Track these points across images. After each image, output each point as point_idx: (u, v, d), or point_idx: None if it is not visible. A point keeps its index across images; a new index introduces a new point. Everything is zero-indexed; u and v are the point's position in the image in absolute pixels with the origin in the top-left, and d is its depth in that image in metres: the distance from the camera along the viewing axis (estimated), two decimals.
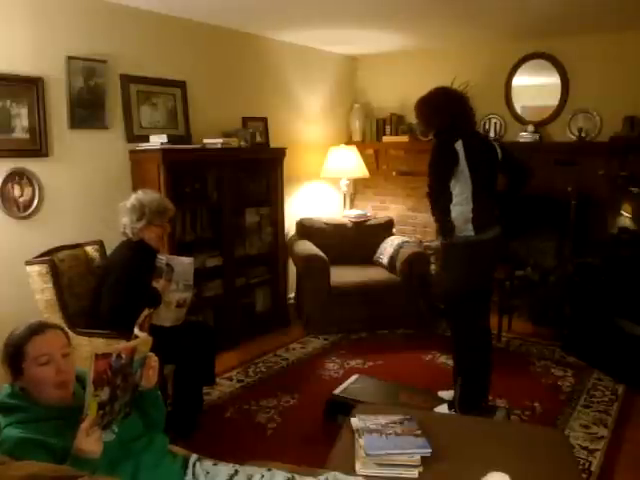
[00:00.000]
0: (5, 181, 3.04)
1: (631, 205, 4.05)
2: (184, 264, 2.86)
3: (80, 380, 1.62)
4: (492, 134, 4.80)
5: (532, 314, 4.52)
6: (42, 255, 2.73)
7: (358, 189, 5.63)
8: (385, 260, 4.65)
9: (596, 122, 4.43)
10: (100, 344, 2.51)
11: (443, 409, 2.91)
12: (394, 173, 5.38)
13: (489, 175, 2.83)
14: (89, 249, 3.02)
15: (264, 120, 4.57)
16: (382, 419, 2.05)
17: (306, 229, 4.81)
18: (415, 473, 1.81)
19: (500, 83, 4.82)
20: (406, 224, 5.38)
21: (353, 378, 3.21)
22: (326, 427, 2.87)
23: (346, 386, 3.09)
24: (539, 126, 4.66)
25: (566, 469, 1.92)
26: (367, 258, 4.81)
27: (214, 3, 3.54)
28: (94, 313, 2.69)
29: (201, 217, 3.93)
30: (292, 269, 4.71)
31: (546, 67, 4.61)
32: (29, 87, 3.08)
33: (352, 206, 5.47)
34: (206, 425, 2.93)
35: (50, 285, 2.63)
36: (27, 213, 3.16)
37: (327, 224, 4.92)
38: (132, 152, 3.61)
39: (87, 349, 2.48)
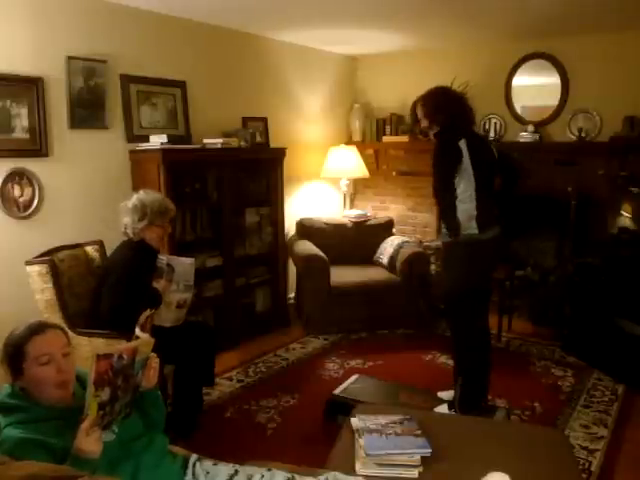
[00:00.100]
0: (5, 181, 3.04)
1: (631, 205, 4.05)
2: (185, 264, 2.86)
3: (80, 380, 1.62)
4: (492, 134, 4.81)
5: (532, 314, 4.52)
6: (42, 255, 2.73)
7: (358, 189, 5.63)
8: (385, 260, 4.65)
9: (596, 122, 4.43)
10: (100, 344, 2.51)
11: (443, 409, 2.91)
12: (394, 173, 5.38)
13: (488, 175, 2.84)
14: (89, 249, 3.02)
15: (264, 120, 4.57)
16: (382, 419, 2.05)
17: (306, 229, 4.81)
18: (415, 473, 1.81)
19: (500, 83, 4.82)
20: (406, 224, 5.38)
21: (353, 378, 3.21)
22: (326, 427, 2.87)
23: (346, 386, 3.09)
24: (539, 126, 4.66)
25: (566, 469, 1.92)
26: (367, 258, 4.81)
27: (214, 3, 3.54)
28: (94, 313, 2.69)
29: (201, 217, 3.93)
30: (292, 269, 4.71)
31: (546, 67, 4.61)
32: (29, 87, 3.08)
33: (352, 206, 5.47)
34: (206, 425, 2.93)
35: (50, 285, 2.63)
36: (27, 213, 3.16)
37: (327, 224, 4.92)
38: (132, 152, 3.61)
39: (87, 349, 2.48)
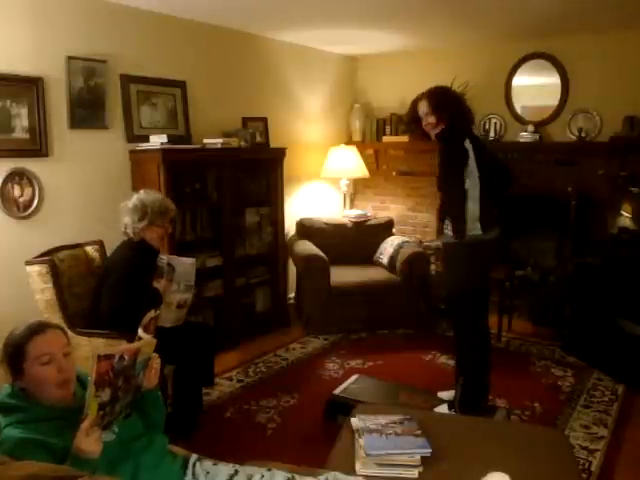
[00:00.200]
0: (5, 181, 3.04)
1: (631, 205, 4.05)
2: (186, 264, 2.86)
3: (80, 380, 1.62)
4: (492, 134, 4.81)
5: (532, 314, 4.52)
6: (42, 255, 2.73)
7: (358, 189, 5.63)
8: (385, 260, 4.65)
9: (596, 122, 4.43)
10: (100, 344, 2.51)
11: (443, 409, 2.91)
12: (394, 173, 5.38)
13: (489, 175, 2.83)
14: (89, 249, 3.01)
15: (264, 120, 4.57)
16: (382, 419, 2.05)
17: (306, 229, 4.81)
18: (415, 473, 1.81)
19: (500, 83, 4.82)
20: (406, 224, 5.38)
21: (353, 378, 3.21)
22: (326, 427, 2.87)
23: (346, 386, 3.09)
24: (539, 126, 4.66)
25: (566, 469, 1.92)
26: (367, 258, 4.81)
27: (215, 3, 3.54)
28: (94, 313, 2.69)
29: (201, 217, 3.93)
30: (292, 269, 4.71)
31: (546, 67, 4.61)
32: (29, 87, 3.08)
33: (352, 206, 5.47)
34: (206, 425, 2.93)
35: (50, 285, 2.63)
36: (27, 213, 3.16)
37: (327, 224, 4.92)
38: (132, 152, 3.61)
39: (87, 349, 2.48)
